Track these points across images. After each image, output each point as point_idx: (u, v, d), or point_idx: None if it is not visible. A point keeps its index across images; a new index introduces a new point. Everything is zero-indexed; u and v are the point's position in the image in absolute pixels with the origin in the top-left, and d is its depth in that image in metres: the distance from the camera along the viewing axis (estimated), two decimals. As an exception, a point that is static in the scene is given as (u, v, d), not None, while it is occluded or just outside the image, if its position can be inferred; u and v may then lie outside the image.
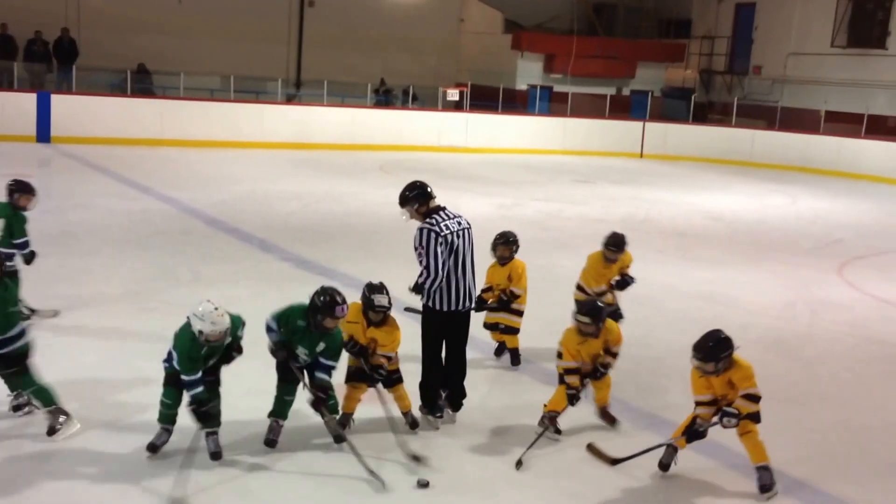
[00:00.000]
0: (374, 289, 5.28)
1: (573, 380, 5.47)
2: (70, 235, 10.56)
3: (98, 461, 4.99)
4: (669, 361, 7.08)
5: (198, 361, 4.81)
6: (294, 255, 10.19)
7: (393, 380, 5.47)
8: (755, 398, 4.91)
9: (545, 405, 5.62)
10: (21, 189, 7.05)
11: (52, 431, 5.10)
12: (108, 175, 15.24)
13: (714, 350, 4.87)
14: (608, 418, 5.82)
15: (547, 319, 8.09)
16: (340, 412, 5.46)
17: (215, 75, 21.68)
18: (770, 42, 25.53)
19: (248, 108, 20.71)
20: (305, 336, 5.06)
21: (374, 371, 5.34)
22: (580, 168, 20.91)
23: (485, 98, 23.85)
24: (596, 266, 6.99)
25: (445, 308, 5.54)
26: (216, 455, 4.95)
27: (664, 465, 5.13)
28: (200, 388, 4.82)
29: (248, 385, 5.67)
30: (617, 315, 6.69)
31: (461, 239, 5.53)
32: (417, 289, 5.56)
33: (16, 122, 18.14)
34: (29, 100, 18.43)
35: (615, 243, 6.93)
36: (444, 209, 5.59)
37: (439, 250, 5.42)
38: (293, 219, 12.48)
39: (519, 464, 5.16)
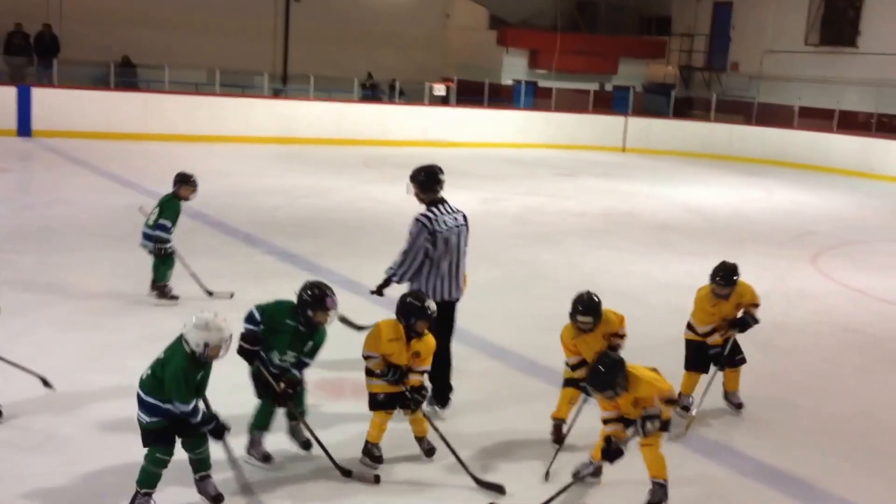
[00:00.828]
0: (420, 296, 4.99)
1: (581, 373, 5.20)
2: (51, 231, 10.56)
3: (80, 462, 4.90)
4: (649, 354, 7.05)
5: (193, 387, 4.27)
6: (280, 249, 10.28)
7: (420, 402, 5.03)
8: (672, 400, 4.76)
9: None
10: (182, 180, 7.67)
11: None
12: (90, 169, 15.25)
13: (607, 377, 4.55)
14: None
15: (532, 314, 8.25)
16: (367, 443, 5.05)
17: (201, 69, 21.66)
18: (747, 40, 25.87)
19: (234, 102, 20.74)
20: (295, 337, 4.81)
21: (415, 394, 4.90)
22: (563, 162, 21.08)
23: (471, 93, 23.99)
24: (703, 303, 5.93)
25: (438, 298, 5.54)
26: (218, 498, 4.49)
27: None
28: (202, 413, 4.30)
29: (234, 381, 5.15)
30: (718, 359, 5.98)
31: (457, 236, 5.66)
32: (380, 290, 5.66)
33: (-4, 116, 18.14)
34: (9, 93, 18.35)
35: (724, 274, 5.84)
36: (445, 202, 5.68)
37: (424, 246, 5.52)
38: (278, 213, 12.56)
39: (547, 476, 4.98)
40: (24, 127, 18.44)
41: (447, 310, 5.71)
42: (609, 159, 22.42)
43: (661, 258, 11.17)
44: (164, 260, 7.74)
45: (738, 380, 6.16)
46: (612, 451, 4.63)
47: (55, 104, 18.64)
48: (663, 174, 20.05)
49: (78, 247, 9.87)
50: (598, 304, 5.21)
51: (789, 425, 6.12)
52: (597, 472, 4.86)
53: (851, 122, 22.36)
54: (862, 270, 11.18)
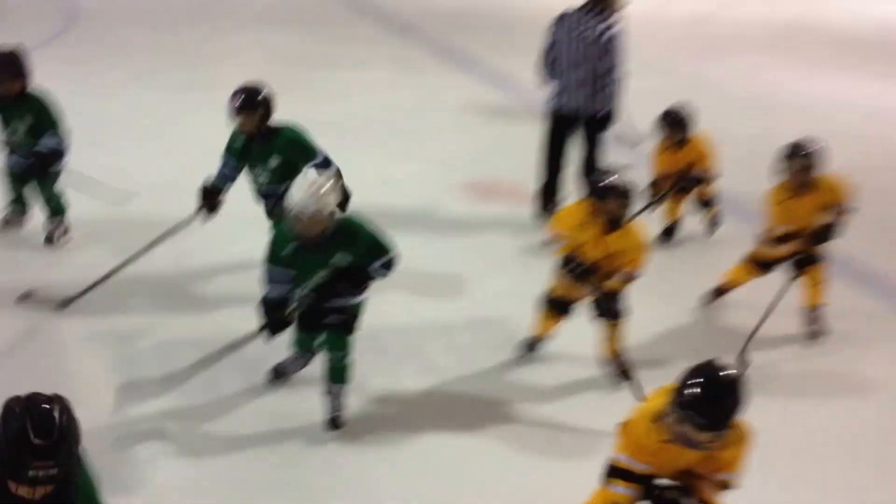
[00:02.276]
0: (612, 167, 3.88)
1: (787, 249, 4.26)
2: (205, 12, 10.62)
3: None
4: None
5: (283, 254, 3.35)
6: (433, 41, 9.99)
7: (618, 311, 3.77)
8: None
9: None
10: None
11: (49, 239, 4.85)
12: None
13: (736, 403, 2.45)
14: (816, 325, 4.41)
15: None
16: (531, 336, 4.00)
17: None
18: None
19: None
20: (250, 155, 4.29)
21: (607, 300, 3.67)
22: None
23: None
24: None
25: (561, 107, 5.32)
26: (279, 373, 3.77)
27: None
28: (276, 289, 3.43)
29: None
30: None
31: (574, 42, 5.15)
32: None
33: None
34: None
35: None
36: (601, 9, 5.13)
37: (550, 38, 5.28)
38: (439, 3, 12.09)
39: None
40: None
41: (577, 125, 5.37)
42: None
43: (850, 77, 10.11)
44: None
45: None
46: None
47: None
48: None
49: (231, 28, 9.91)
50: (820, 149, 4.26)
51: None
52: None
53: None
54: None
